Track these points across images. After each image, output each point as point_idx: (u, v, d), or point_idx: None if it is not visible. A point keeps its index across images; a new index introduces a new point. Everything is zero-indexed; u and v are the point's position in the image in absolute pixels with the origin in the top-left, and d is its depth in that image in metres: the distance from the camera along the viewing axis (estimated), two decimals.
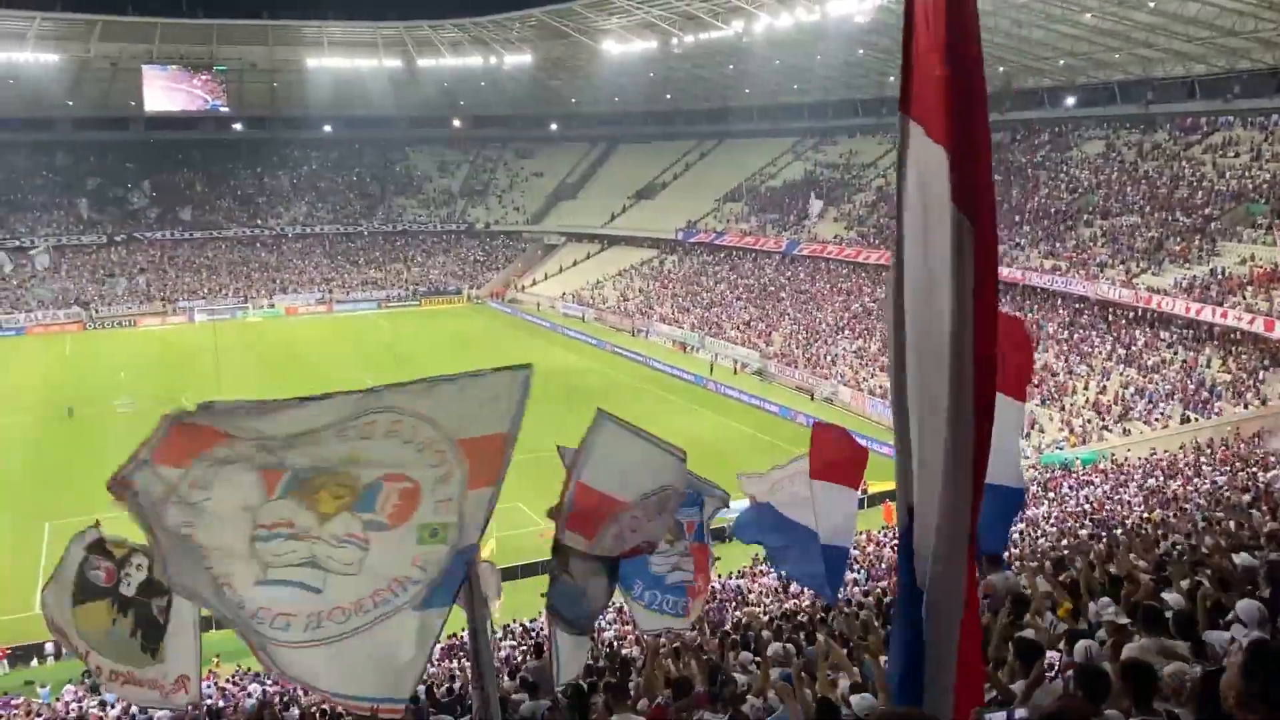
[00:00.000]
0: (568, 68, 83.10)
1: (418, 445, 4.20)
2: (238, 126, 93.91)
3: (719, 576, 25.36)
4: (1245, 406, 34.53)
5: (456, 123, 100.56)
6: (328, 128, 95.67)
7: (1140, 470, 29.49)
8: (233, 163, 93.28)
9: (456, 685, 14.77)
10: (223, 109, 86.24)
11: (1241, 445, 29.97)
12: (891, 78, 71.73)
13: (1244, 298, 38.27)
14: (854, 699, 6.07)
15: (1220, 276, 40.43)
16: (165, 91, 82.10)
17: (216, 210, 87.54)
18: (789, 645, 9.98)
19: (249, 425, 3.92)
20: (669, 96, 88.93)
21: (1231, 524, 14.48)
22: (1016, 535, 23.69)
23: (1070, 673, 5.71)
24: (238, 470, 3.96)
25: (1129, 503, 25.03)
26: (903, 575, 2.29)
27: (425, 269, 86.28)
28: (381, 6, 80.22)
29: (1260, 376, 35.95)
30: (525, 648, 17.72)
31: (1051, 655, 6.65)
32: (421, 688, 15.54)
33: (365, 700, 4.05)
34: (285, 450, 4.02)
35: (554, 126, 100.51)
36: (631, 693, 8.71)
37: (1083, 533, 21.36)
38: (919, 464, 2.32)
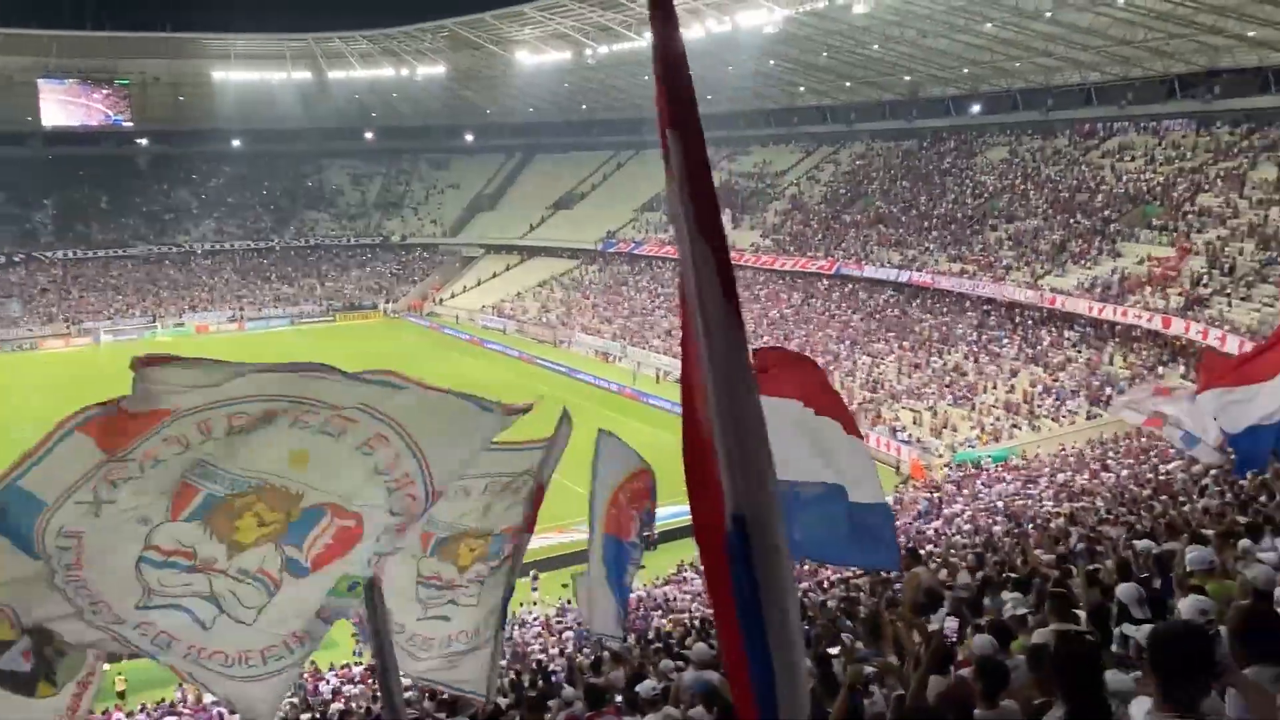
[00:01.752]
0: (481, 78, 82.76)
1: (389, 482, 3.64)
2: (142, 141, 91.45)
3: (643, 585, 25.49)
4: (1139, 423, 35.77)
5: (369, 135, 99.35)
6: (236, 142, 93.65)
7: (1050, 466, 30.43)
8: (138, 178, 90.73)
9: (376, 706, 14.56)
10: (125, 123, 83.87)
11: (1144, 438, 31.08)
12: (803, 87, 72.94)
13: (1143, 296, 39.77)
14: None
15: (1120, 276, 41.94)
16: (63, 106, 79.56)
17: (122, 228, 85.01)
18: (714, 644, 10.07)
19: (200, 386, 3.43)
20: (585, 107, 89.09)
21: (1132, 517, 15.04)
22: (932, 532, 24.26)
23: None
24: (155, 477, 3.48)
25: (1039, 497, 25.79)
26: (746, 588, 2.34)
27: (339, 284, 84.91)
28: (289, 18, 79.30)
29: (1159, 371, 37.37)
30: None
31: (951, 622, 6.86)
32: (338, 706, 15.33)
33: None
34: (227, 442, 3.50)
35: (469, 137, 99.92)
36: (551, 707, 8.73)
37: (997, 529, 21.95)
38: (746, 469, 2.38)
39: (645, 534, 7.67)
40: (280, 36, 76.82)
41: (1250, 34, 44.95)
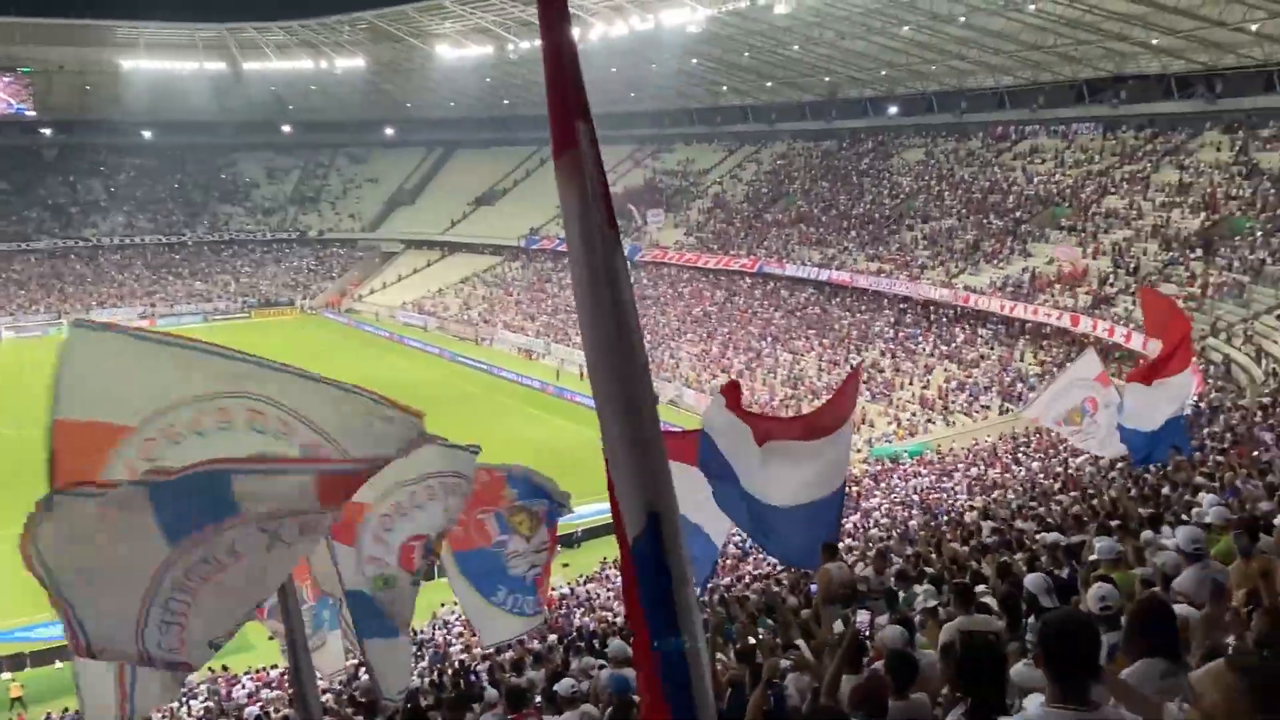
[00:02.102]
0: (401, 72, 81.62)
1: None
2: (46, 131, 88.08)
3: (567, 583, 25.46)
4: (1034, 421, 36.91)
5: (286, 128, 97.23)
6: (147, 133, 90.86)
7: (964, 460, 31.14)
8: (42, 170, 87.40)
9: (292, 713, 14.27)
10: (29, 113, 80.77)
11: (1053, 433, 32.00)
12: (725, 87, 73.44)
13: (1052, 295, 40.96)
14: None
15: (1031, 275, 43.12)
16: None
17: (24, 221, 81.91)
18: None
19: (145, 401, 3.71)
20: (507, 102, 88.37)
21: (1042, 510, 15.48)
22: (851, 525, 24.66)
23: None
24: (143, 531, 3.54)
25: (953, 491, 26.39)
26: (659, 585, 2.39)
27: (255, 280, 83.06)
28: (202, 7, 77.05)
29: (1067, 368, 38.47)
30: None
31: (863, 616, 7.00)
32: (253, 710, 15.03)
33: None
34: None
35: (389, 131, 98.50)
36: (474, 708, 8.67)
37: (913, 523, 22.40)
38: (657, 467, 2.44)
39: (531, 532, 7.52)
40: (192, 26, 74.60)
41: (1154, 41, 46.57)
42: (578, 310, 2.46)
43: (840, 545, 16.43)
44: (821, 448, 8.66)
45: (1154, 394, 12.35)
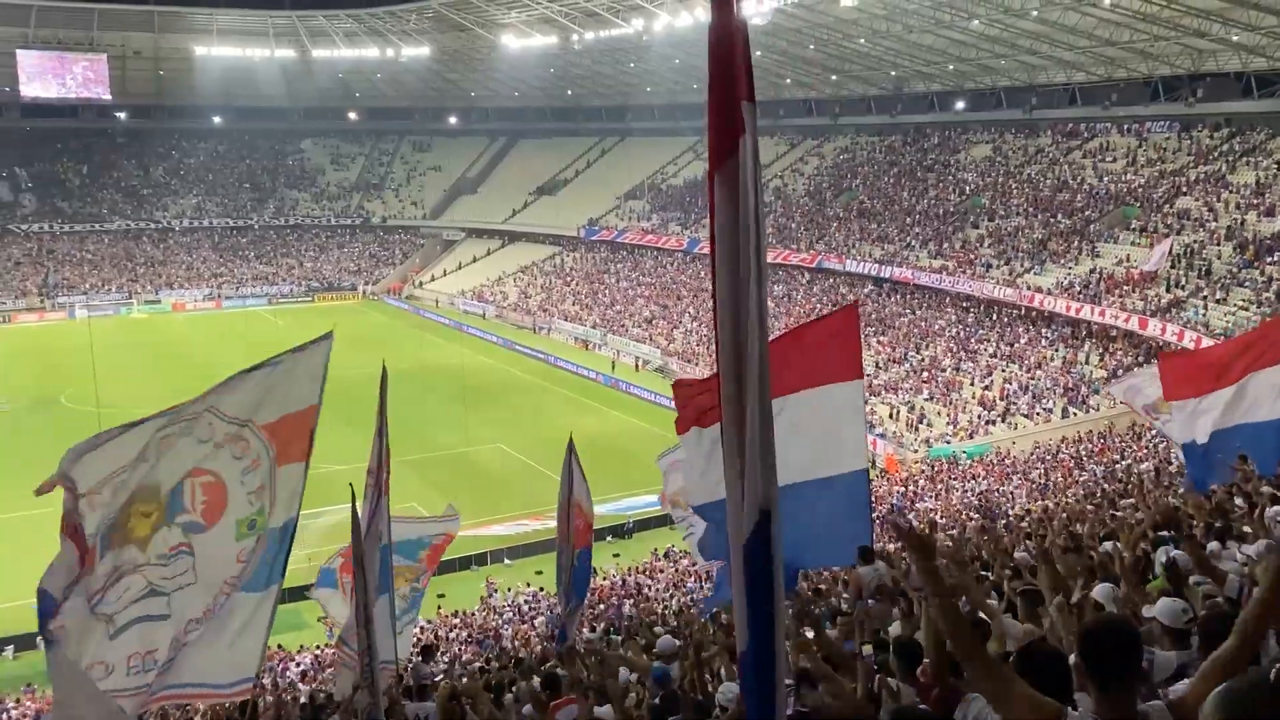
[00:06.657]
0: (466, 61, 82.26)
1: (215, 441, 4.54)
2: (121, 115, 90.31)
3: (617, 571, 25.47)
4: (1121, 402, 36.12)
5: (352, 115, 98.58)
6: (217, 118, 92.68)
7: (1024, 463, 30.62)
8: (116, 153, 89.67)
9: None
10: (104, 97, 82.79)
11: (1117, 438, 31.34)
12: (789, 79, 72.86)
13: (1119, 297, 40.03)
14: (722, 688, 6.17)
15: (1099, 276, 42.18)
16: (42, 77, 78.49)
17: (99, 202, 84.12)
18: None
19: (91, 469, 4.41)
20: (570, 92, 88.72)
21: (1105, 516, 15.12)
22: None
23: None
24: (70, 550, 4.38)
25: (1013, 494, 25.96)
26: (761, 585, 2.36)
27: (319, 264, 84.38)
28: None
29: (1134, 372, 37.60)
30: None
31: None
32: (305, 688, 15.23)
33: (223, 687, 4.53)
34: (105, 496, 4.45)
35: (453, 120, 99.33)
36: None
37: (971, 525, 22.07)
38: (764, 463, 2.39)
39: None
40: (264, 13, 75.93)
41: (1234, 38, 45.19)
42: (716, 304, 2.38)
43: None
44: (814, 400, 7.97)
45: (1203, 405, 11.64)
